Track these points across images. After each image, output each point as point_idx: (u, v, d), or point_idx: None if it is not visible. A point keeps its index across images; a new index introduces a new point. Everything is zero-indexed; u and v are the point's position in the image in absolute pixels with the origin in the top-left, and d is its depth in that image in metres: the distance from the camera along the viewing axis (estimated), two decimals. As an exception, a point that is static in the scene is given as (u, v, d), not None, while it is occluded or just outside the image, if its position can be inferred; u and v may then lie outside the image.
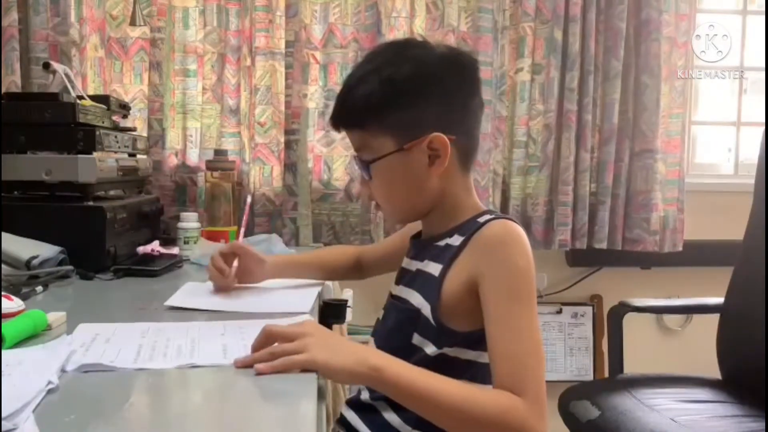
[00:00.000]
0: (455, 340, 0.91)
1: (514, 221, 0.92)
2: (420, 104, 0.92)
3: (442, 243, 0.96)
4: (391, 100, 0.91)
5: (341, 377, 0.77)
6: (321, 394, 0.73)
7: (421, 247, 1.01)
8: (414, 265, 1.00)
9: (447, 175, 0.94)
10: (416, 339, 0.93)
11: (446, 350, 0.91)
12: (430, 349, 0.91)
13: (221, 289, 1.14)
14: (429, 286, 0.93)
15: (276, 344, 0.78)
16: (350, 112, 0.94)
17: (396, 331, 0.96)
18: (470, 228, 0.92)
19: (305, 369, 0.75)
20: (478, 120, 1.00)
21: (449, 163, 0.93)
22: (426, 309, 0.92)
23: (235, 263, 1.16)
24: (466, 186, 0.99)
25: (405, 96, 0.91)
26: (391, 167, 0.93)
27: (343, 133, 1.00)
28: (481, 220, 0.93)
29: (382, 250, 1.26)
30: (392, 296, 1.02)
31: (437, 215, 0.98)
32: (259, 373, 0.74)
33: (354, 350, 0.79)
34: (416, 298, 0.95)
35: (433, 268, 0.94)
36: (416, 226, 1.10)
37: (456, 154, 0.94)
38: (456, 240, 0.93)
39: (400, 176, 0.94)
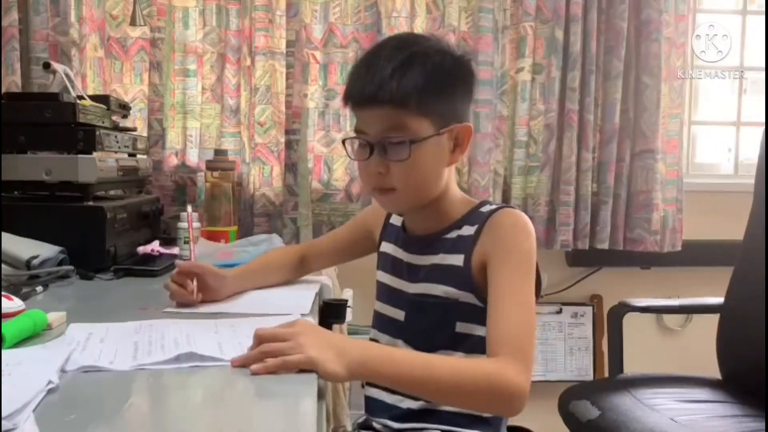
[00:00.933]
0: None
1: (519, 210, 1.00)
2: (456, 95, 0.97)
3: (452, 236, 1.00)
4: (439, 86, 0.94)
5: (335, 378, 0.78)
6: (321, 394, 0.73)
7: (425, 242, 1.03)
8: (427, 260, 1.02)
9: (453, 165, 1.01)
10: (461, 327, 0.97)
11: None
12: (484, 330, 0.94)
13: (184, 305, 1.07)
14: (457, 276, 0.97)
15: (267, 344, 0.78)
16: (398, 89, 0.92)
17: (434, 327, 0.99)
18: (479, 218, 0.98)
19: (301, 369, 0.75)
20: None
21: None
22: (466, 296, 0.96)
23: (195, 282, 1.08)
24: (453, 176, 1.04)
25: (449, 84, 0.96)
26: (427, 150, 0.95)
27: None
28: (485, 210, 0.99)
29: (328, 245, 1.28)
30: (414, 295, 1.02)
31: (435, 207, 1.01)
32: (255, 373, 0.74)
33: (343, 348, 0.79)
34: (444, 290, 0.98)
35: (455, 260, 0.98)
36: (376, 218, 1.15)
37: None
38: (467, 230, 0.98)
39: (430, 160, 0.96)
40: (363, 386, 1.10)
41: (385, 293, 1.10)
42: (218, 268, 1.15)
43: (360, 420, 1.11)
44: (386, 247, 1.12)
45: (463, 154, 1.00)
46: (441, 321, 0.98)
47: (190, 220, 1.25)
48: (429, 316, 1.00)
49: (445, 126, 0.96)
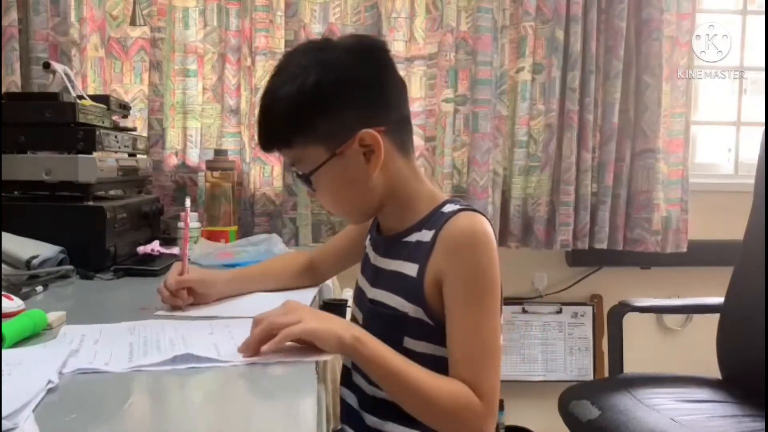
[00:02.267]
0: None
1: (480, 212, 0.92)
2: (339, 105, 0.90)
3: (412, 239, 0.95)
4: (309, 110, 0.88)
5: (330, 342, 0.79)
6: (320, 394, 0.73)
7: (389, 243, 0.99)
8: (387, 264, 0.98)
9: (388, 166, 0.93)
10: (408, 343, 0.92)
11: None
12: (433, 349, 0.91)
13: (176, 309, 1.06)
14: (409, 288, 0.92)
15: (268, 321, 0.80)
16: (274, 131, 0.92)
17: (383, 338, 0.92)
18: (438, 221, 0.91)
19: (301, 340, 0.79)
20: (404, 99, 0.98)
21: (387, 153, 0.91)
22: (416, 311, 0.91)
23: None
24: (414, 172, 0.97)
25: (321, 101, 0.89)
26: (331, 174, 0.92)
27: None
28: (446, 210, 0.92)
29: (333, 249, 1.23)
30: (370, 300, 1.00)
31: (394, 209, 0.97)
32: (264, 353, 0.77)
33: (339, 321, 0.84)
34: (397, 301, 0.93)
35: (410, 269, 0.93)
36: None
37: (390, 143, 0.92)
38: (426, 235, 0.92)
39: (341, 181, 0.93)
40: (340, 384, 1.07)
41: (356, 293, 1.08)
42: (208, 272, 1.13)
43: (336, 429, 1.09)
44: (367, 244, 1.09)
45: (381, 157, 0.91)
46: (389, 333, 0.90)
47: (186, 218, 1.15)
48: (379, 326, 0.93)
49: (342, 142, 0.90)
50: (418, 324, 0.91)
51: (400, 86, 0.96)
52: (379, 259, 1.01)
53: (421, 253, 0.92)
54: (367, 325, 0.99)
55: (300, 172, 0.94)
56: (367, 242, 1.09)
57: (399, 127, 0.95)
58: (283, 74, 0.91)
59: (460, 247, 0.88)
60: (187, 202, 1.17)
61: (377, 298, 0.98)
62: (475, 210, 0.92)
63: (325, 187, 0.94)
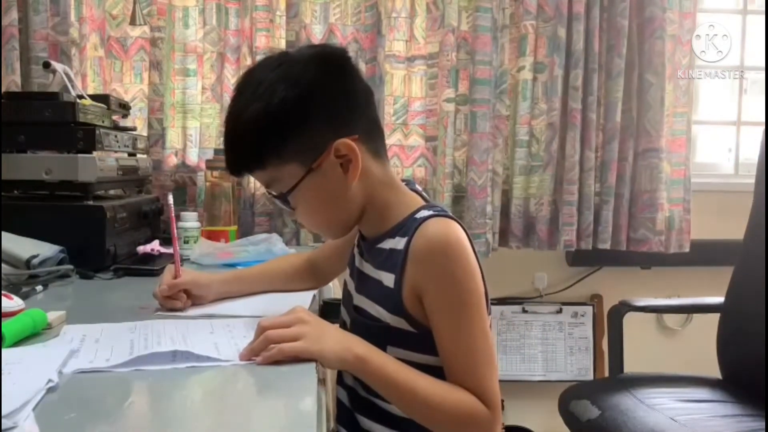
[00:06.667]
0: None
1: (452, 218, 0.89)
2: (308, 119, 0.87)
3: (386, 246, 0.93)
4: (278, 128, 0.86)
5: (331, 362, 0.80)
6: (320, 393, 0.73)
7: (368, 247, 0.98)
8: (368, 270, 0.97)
9: (365, 174, 0.91)
10: (391, 351, 0.89)
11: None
12: (417, 357, 0.89)
13: (175, 310, 1.06)
14: (388, 298, 0.90)
15: (270, 330, 0.79)
16: (244, 155, 0.89)
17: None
18: (410, 228, 0.89)
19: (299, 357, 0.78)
20: (371, 105, 0.95)
21: (363, 161, 0.89)
22: (397, 321, 0.90)
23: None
24: (390, 178, 0.96)
25: (290, 118, 0.86)
26: (310, 191, 0.89)
27: None
28: (418, 216, 0.90)
29: (333, 249, 1.19)
30: (354, 307, 0.99)
31: (371, 215, 0.95)
32: (260, 364, 0.76)
33: (342, 338, 0.83)
34: (378, 311, 0.92)
35: (387, 279, 0.91)
36: None
37: (365, 150, 0.90)
38: (399, 243, 0.90)
39: (321, 196, 0.91)
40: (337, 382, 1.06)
41: (344, 293, 1.06)
42: (202, 273, 1.13)
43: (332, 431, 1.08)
44: (354, 244, 1.07)
45: (359, 166, 0.88)
46: (372, 343, 0.87)
47: (171, 214, 1.11)
48: (363, 335, 0.89)
49: (317, 156, 0.87)
50: (400, 333, 0.90)
51: (367, 92, 0.94)
52: (363, 263, 1.00)
53: (395, 263, 0.89)
54: (353, 332, 0.97)
55: (276, 193, 0.91)
56: (355, 242, 1.07)
57: (370, 134, 0.92)
58: (245, 94, 0.88)
59: (432, 259, 0.85)
60: (170, 198, 1.12)
61: (361, 305, 0.97)
62: (447, 216, 0.89)
63: (305, 205, 0.92)
